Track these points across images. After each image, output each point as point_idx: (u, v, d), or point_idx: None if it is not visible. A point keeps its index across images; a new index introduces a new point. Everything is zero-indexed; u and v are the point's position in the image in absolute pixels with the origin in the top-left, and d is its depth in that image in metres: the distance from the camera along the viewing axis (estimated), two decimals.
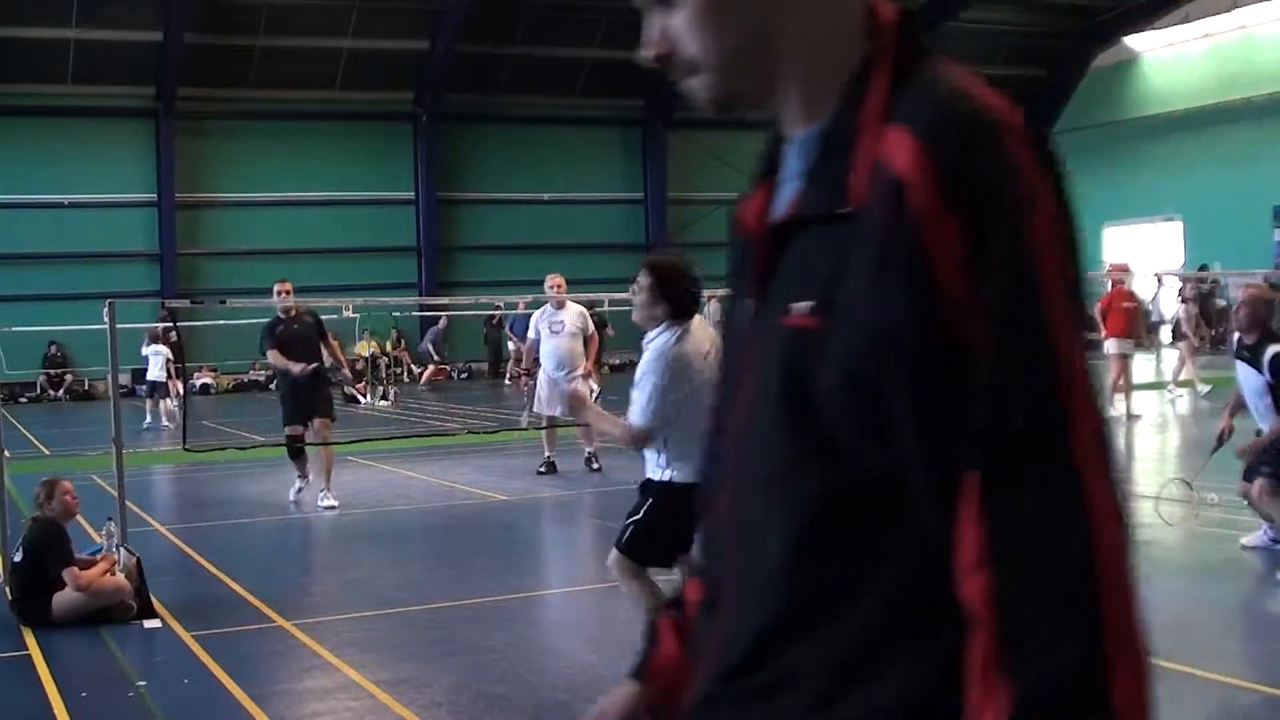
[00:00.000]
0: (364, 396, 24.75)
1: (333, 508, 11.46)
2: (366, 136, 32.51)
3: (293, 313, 11.69)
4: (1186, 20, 34.45)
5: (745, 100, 1.32)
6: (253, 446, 14.01)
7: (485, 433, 16.93)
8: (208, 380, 29.23)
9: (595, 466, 13.18)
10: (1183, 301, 20.46)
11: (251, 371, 29.13)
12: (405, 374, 30.91)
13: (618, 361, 26.52)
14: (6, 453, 9.58)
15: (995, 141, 1.14)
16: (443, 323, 30.83)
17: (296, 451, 11.79)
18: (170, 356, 21.26)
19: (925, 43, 1.27)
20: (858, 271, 1.15)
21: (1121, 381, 16.65)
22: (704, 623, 1.35)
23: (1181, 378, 19.64)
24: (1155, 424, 16.67)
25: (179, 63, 29.27)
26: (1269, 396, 7.92)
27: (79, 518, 8.27)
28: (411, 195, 33.00)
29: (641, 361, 5.50)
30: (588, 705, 1.60)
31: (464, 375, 31.77)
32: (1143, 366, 22.30)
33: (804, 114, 1.29)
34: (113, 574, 7.53)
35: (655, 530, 5.41)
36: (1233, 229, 31.28)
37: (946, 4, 33.88)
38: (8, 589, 7.68)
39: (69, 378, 29.25)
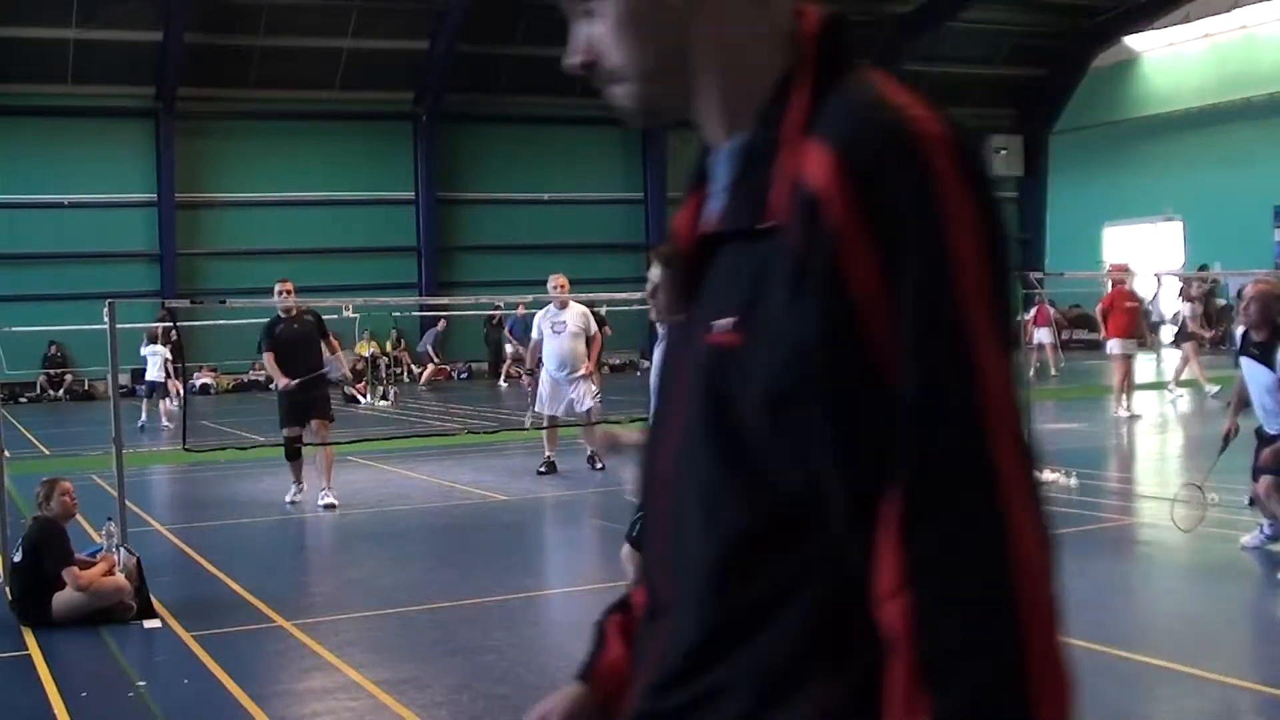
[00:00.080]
0: (364, 397, 24.75)
1: (332, 506, 11.46)
2: (366, 136, 32.51)
3: (293, 312, 11.69)
4: (1187, 20, 34.45)
5: (669, 110, 1.31)
6: (253, 446, 14.01)
7: (485, 433, 16.93)
8: (208, 380, 29.23)
9: (598, 466, 13.18)
10: (1188, 300, 20.43)
11: (251, 371, 29.12)
12: (405, 374, 30.91)
13: (617, 361, 26.52)
14: (6, 453, 9.58)
15: (914, 154, 1.11)
16: (441, 324, 30.82)
17: (294, 453, 11.79)
18: (169, 356, 21.25)
19: (851, 51, 1.24)
20: (777, 289, 1.13)
21: (1125, 381, 16.66)
22: (645, 632, 1.35)
23: (1185, 377, 19.62)
24: (1161, 424, 16.65)
25: (179, 63, 29.27)
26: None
27: (79, 517, 8.27)
28: (411, 195, 33.01)
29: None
30: None
31: (464, 375, 31.77)
32: (1144, 366, 22.28)
33: (727, 125, 1.27)
34: (112, 574, 7.53)
35: None
36: (1233, 229, 31.29)
37: (946, 4, 33.90)
38: (8, 589, 7.67)
39: (69, 378, 29.25)
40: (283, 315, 11.66)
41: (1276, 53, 32.32)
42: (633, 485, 4.28)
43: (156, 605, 7.61)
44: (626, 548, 5.64)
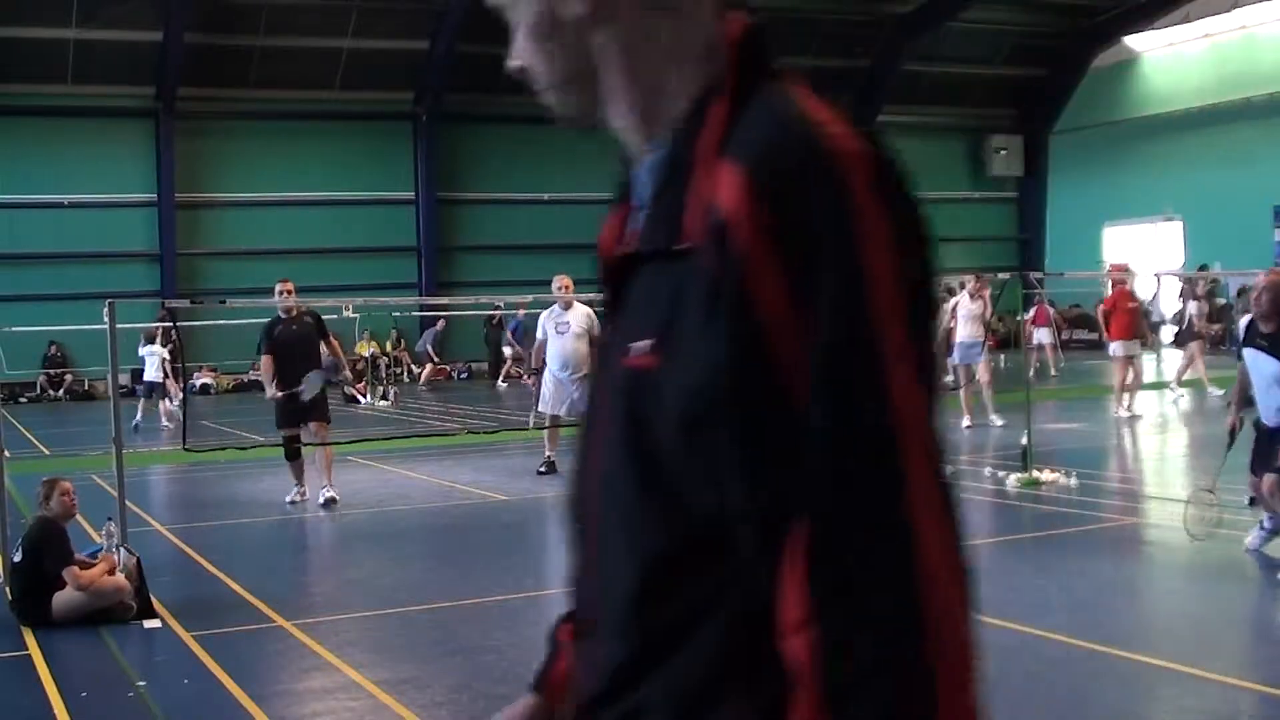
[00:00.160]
0: (364, 397, 24.75)
1: (334, 500, 11.47)
2: (366, 136, 32.52)
3: (293, 313, 11.69)
4: (1186, 20, 34.45)
5: (589, 119, 1.29)
6: (253, 446, 14.00)
7: (485, 433, 16.93)
8: (208, 380, 29.23)
9: None
10: (1194, 299, 20.39)
11: (252, 372, 29.04)
12: (405, 374, 30.92)
13: None
14: (6, 453, 9.58)
15: (827, 173, 1.08)
16: (441, 323, 30.83)
17: (294, 453, 11.78)
18: (166, 356, 21.25)
19: (773, 62, 1.21)
20: (692, 311, 1.11)
21: (1130, 382, 16.64)
22: (578, 649, 1.34)
23: (1188, 377, 19.59)
24: (1161, 424, 16.64)
25: (179, 63, 29.28)
26: None
27: (79, 518, 8.27)
28: (411, 195, 33.01)
29: None
30: None
31: (464, 375, 31.78)
32: (1147, 366, 22.27)
33: (645, 138, 1.25)
34: (113, 574, 7.52)
35: None
36: (1233, 229, 31.29)
37: (946, 4, 33.90)
38: (8, 589, 7.67)
39: (69, 378, 29.25)
40: (282, 316, 11.67)
41: (1276, 53, 32.32)
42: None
43: (156, 605, 7.61)
44: None
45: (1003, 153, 39.16)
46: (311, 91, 31.48)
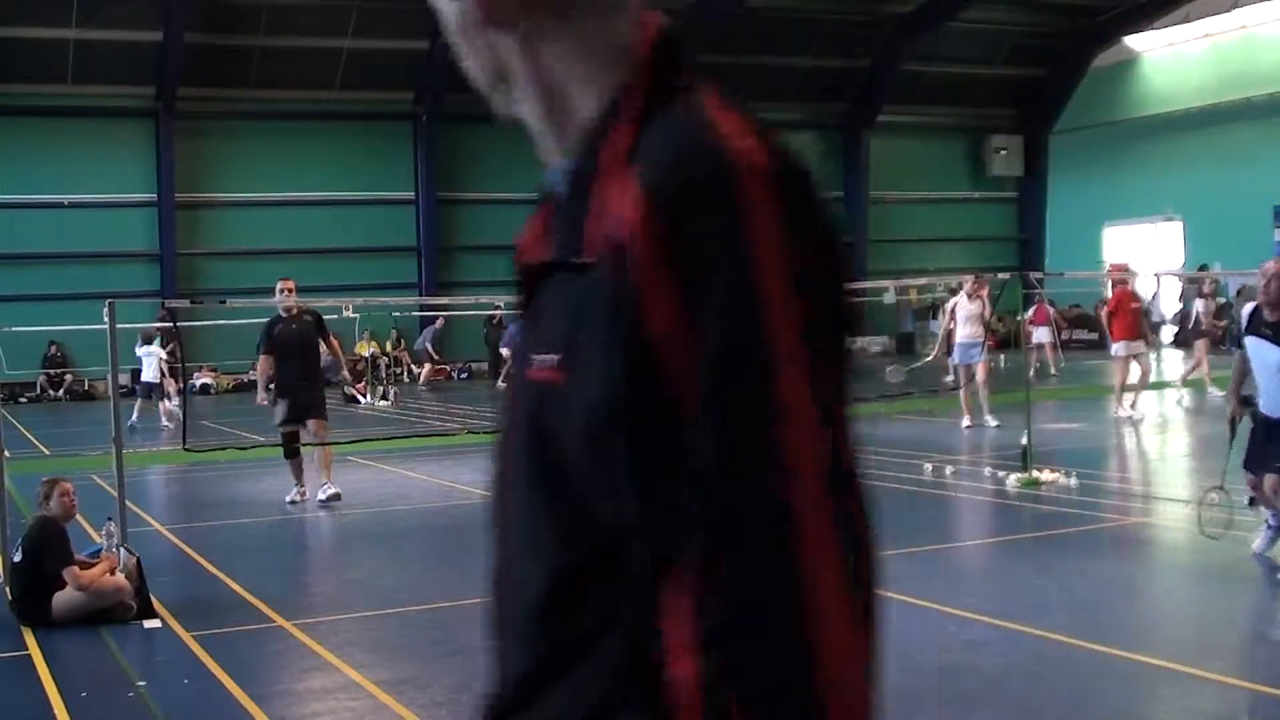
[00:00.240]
0: (364, 396, 24.75)
1: (337, 496, 11.48)
2: (366, 136, 32.52)
3: (293, 311, 11.70)
4: (1187, 20, 34.46)
5: (520, 120, 1.26)
6: (253, 446, 14.00)
7: (485, 433, 16.90)
8: (208, 380, 29.23)
9: None
10: (1201, 297, 20.34)
11: (251, 372, 29.00)
12: (405, 374, 30.92)
13: None
14: (6, 453, 9.58)
15: (725, 188, 1.05)
16: (439, 322, 30.83)
17: (293, 452, 11.78)
18: (163, 357, 21.24)
19: (687, 67, 1.18)
20: (592, 326, 1.09)
21: (1136, 381, 16.61)
22: (493, 648, 1.34)
23: (1192, 377, 19.57)
24: (1162, 424, 16.62)
25: (179, 63, 29.28)
26: None
27: (79, 518, 8.27)
28: (411, 195, 33.01)
29: None
30: None
31: (464, 375, 31.78)
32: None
33: (559, 146, 1.23)
34: (113, 574, 7.52)
35: None
36: (1233, 229, 31.29)
37: (946, 4, 33.90)
38: (8, 589, 7.67)
39: (69, 378, 29.25)
40: (283, 315, 11.67)
41: (1276, 53, 32.33)
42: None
43: (156, 605, 7.61)
44: None
45: (1003, 153, 39.17)
46: (311, 91, 31.48)
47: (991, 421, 15.70)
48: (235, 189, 31.19)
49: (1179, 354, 27.96)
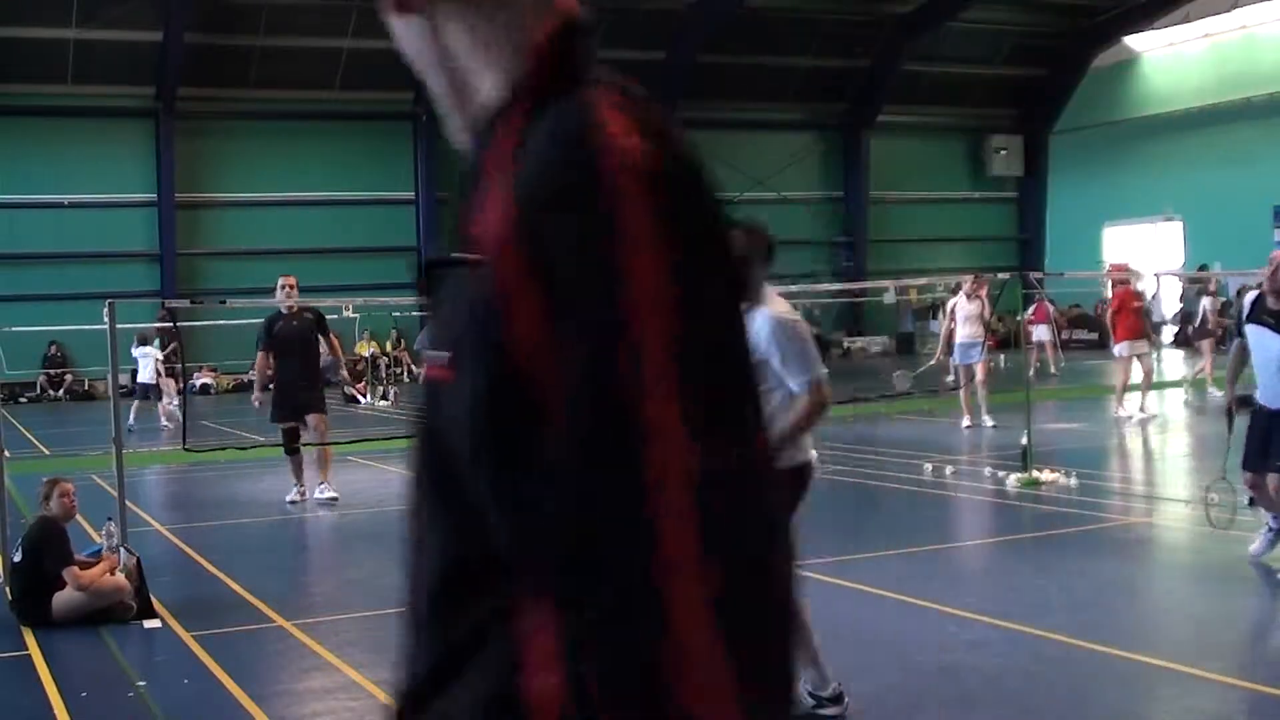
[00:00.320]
0: (364, 396, 24.75)
1: (334, 499, 11.47)
2: (366, 136, 32.52)
3: (294, 309, 11.70)
4: (1186, 20, 34.46)
5: None
6: (253, 446, 14.00)
7: None
8: (208, 380, 29.22)
9: None
10: (1208, 295, 20.30)
11: (252, 371, 29.10)
12: (405, 374, 30.93)
13: None
14: (6, 453, 9.58)
15: (594, 191, 1.00)
16: None
17: (293, 449, 11.78)
18: (159, 357, 21.23)
19: (581, 63, 1.13)
20: (472, 327, 1.06)
21: (1140, 381, 16.59)
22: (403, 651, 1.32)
23: (1198, 376, 19.54)
24: (1162, 424, 16.61)
25: (179, 63, 29.28)
26: None
27: (79, 518, 8.27)
28: (411, 195, 33.01)
29: (760, 339, 4.97)
30: None
31: None
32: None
33: (465, 142, 1.21)
34: (113, 574, 7.52)
35: None
36: (1233, 229, 31.29)
37: (946, 4, 33.90)
38: (8, 589, 7.67)
39: (69, 378, 29.25)
40: (283, 312, 11.68)
41: (1276, 53, 32.33)
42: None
43: (156, 605, 7.61)
44: None
45: (1003, 153, 39.17)
46: (311, 91, 31.48)
47: (989, 422, 15.68)
48: (235, 189, 31.19)
49: (1179, 354, 27.96)
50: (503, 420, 1.04)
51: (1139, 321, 16.63)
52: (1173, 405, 18.63)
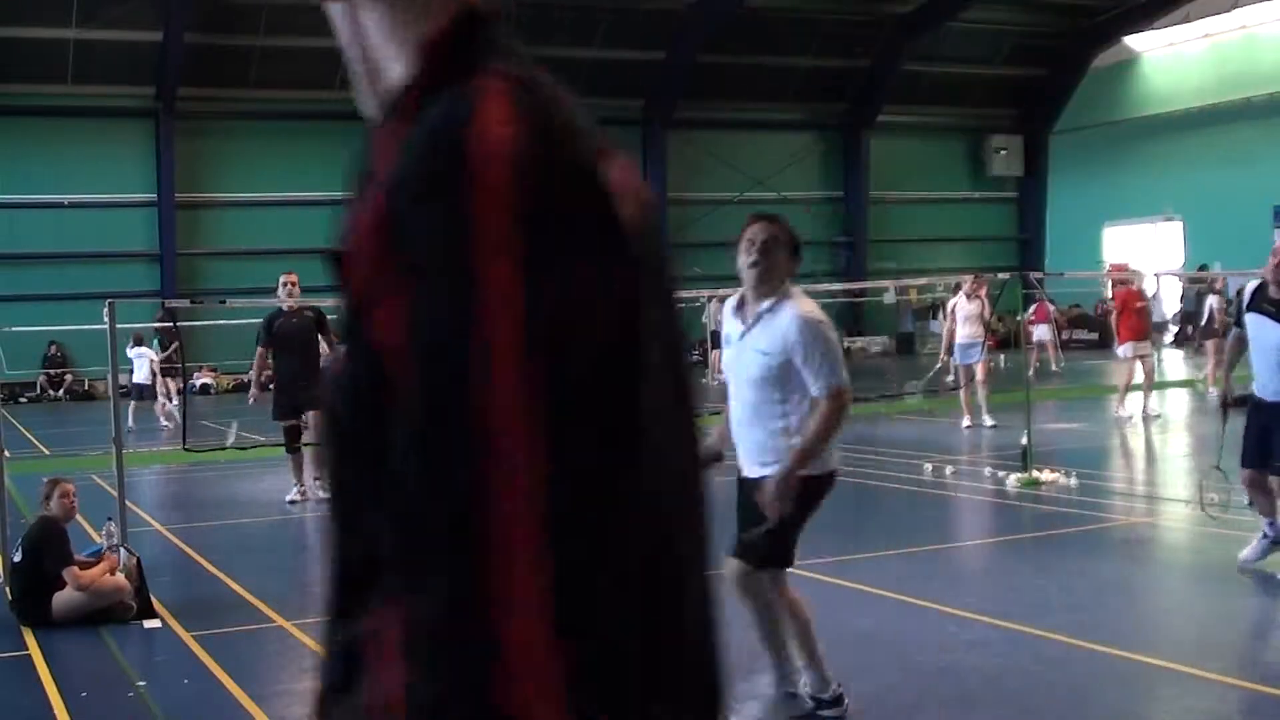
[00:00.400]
0: None
1: None
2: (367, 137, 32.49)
3: (295, 307, 11.70)
4: (1187, 20, 34.47)
5: None
6: (253, 446, 14.00)
7: None
8: (208, 380, 29.23)
9: None
10: (1214, 294, 20.31)
11: (252, 371, 29.11)
12: None
13: None
14: (6, 453, 9.58)
15: (456, 186, 0.97)
16: None
17: (294, 449, 11.78)
18: (154, 358, 21.23)
19: (487, 49, 1.10)
20: (343, 324, 1.05)
21: (1143, 381, 16.58)
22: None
23: (1213, 376, 19.52)
24: (1163, 425, 16.60)
25: (179, 63, 29.28)
26: None
27: (79, 518, 8.27)
28: None
29: (786, 335, 4.90)
30: None
31: None
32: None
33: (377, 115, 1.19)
34: (113, 574, 7.52)
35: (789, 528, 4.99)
36: (1233, 229, 31.30)
37: (946, 4, 33.91)
38: (8, 589, 7.67)
39: (69, 378, 29.25)
40: (284, 310, 11.68)
41: (1276, 53, 32.33)
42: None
43: (156, 605, 7.61)
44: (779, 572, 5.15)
45: (1003, 153, 39.18)
46: (311, 91, 31.45)
47: (988, 421, 15.67)
48: (235, 189, 31.19)
49: (1179, 354, 27.97)
50: (365, 418, 1.02)
51: (1142, 322, 16.61)
52: (1173, 405, 18.62)
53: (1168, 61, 35.86)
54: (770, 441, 4.97)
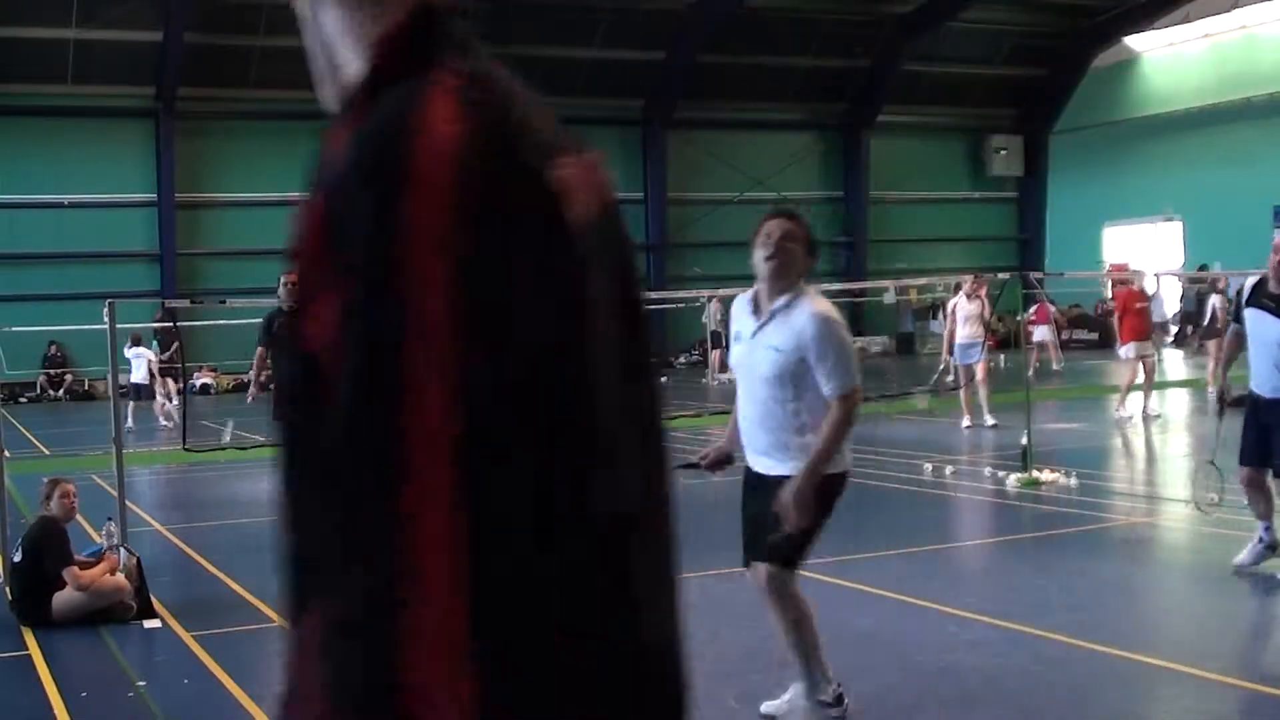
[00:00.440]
0: None
1: None
2: None
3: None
4: (1187, 20, 34.46)
5: None
6: (253, 446, 14.00)
7: None
8: (208, 380, 29.22)
9: None
10: (1216, 293, 20.32)
11: (252, 371, 29.08)
12: None
13: None
14: (6, 453, 9.58)
15: (393, 181, 0.96)
16: None
17: None
18: (152, 358, 21.22)
19: (440, 46, 1.09)
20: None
21: (1144, 381, 16.57)
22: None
23: (1200, 377, 19.52)
24: (1163, 425, 16.60)
25: (179, 63, 29.28)
26: None
27: (79, 518, 8.27)
28: None
29: (802, 333, 4.86)
30: None
31: None
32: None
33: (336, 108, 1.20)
34: (113, 574, 7.52)
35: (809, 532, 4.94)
36: (1233, 229, 31.28)
37: (946, 4, 33.91)
38: (8, 589, 7.67)
39: (69, 378, 29.24)
40: (284, 309, 11.68)
41: (1276, 53, 32.33)
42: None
43: (156, 605, 7.61)
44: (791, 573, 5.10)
45: (1003, 153, 39.17)
46: (311, 91, 30.99)
47: (989, 421, 15.66)
48: (235, 189, 31.17)
49: (1179, 354, 27.96)
50: (303, 418, 1.04)
51: (1144, 323, 16.61)
52: (1174, 405, 18.62)
53: (1168, 61, 35.85)
54: (781, 439, 4.96)
